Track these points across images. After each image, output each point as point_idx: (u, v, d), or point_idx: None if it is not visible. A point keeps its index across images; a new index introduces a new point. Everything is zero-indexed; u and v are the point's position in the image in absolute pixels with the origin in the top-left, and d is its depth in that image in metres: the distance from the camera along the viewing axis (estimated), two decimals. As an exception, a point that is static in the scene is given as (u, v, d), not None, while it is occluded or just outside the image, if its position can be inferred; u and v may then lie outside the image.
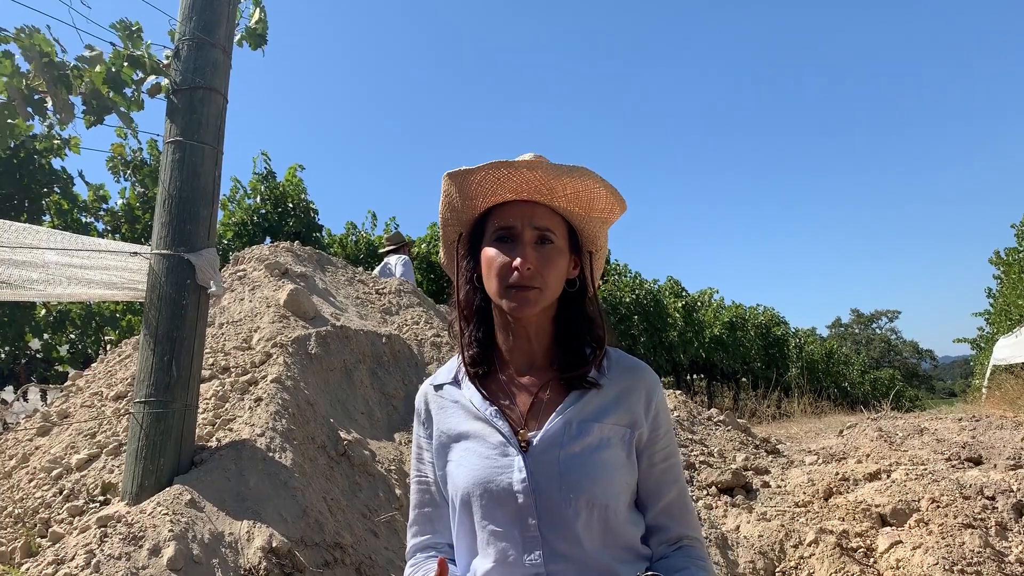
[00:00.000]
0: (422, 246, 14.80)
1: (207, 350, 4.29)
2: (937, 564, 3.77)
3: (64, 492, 3.44)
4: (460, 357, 1.60)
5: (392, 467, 4.19)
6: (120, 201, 10.51)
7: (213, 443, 3.51)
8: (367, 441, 4.28)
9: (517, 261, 1.42)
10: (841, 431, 8.85)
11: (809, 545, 4.22)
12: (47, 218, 9.28)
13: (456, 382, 1.60)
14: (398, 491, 4.03)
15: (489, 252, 1.48)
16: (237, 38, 3.90)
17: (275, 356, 4.30)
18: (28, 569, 2.81)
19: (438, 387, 1.63)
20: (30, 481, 3.61)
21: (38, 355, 9.87)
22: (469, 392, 1.55)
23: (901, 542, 4.08)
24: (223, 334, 4.69)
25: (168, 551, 2.77)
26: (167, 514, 2.94)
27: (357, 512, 3.67)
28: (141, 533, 2.86)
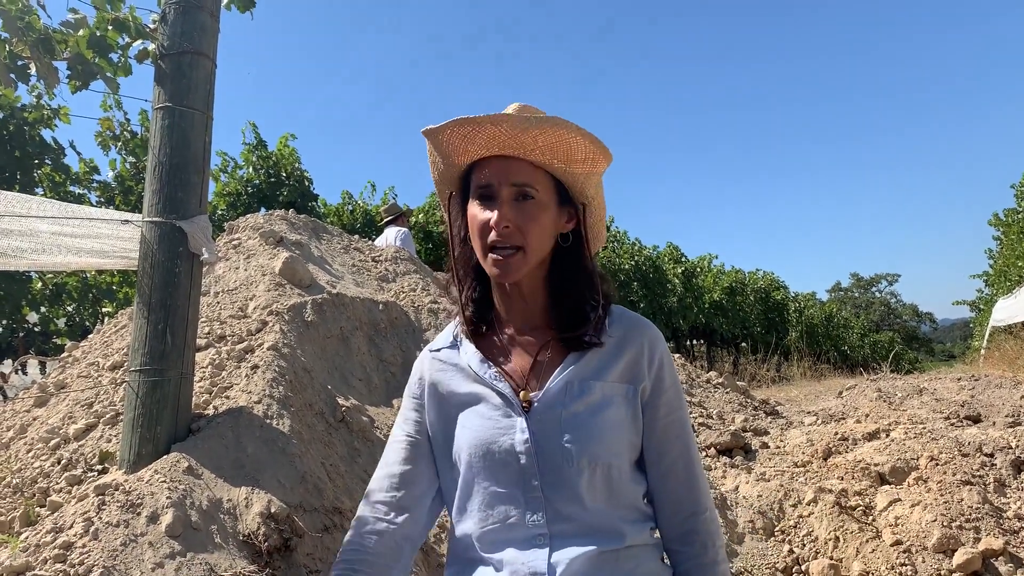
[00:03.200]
0: (420, 216, 14.73)
1: (203, 319, 4.28)
2: (936, 521, 3.79)
3: (62, 462, 3.44)
4: (458, 319, 1.58)
5: (391, 433, 4.18)
6: (111, 173, 10.44)
7: (210, 411, 3.50)
8: (365, 407, 4.28)
9: (494, 220, 1.39)
10: (840, 392, 8.89)
11: (808, 504, 4.24)
12: (40, 191, 9.21)
13: (455, 345, 1.58)
14: (397, 456, 4.03)
15: (472, 210, 1.44)
16: (225, 1, 3.83)
17: (271, 324, 4.28)
18: (27, 538, 2.81)
19: (436, 351, 1.61)
20: (28, 451, 3.61)
21: (36, 328, 9.86)
22: (468, 354, 1.53)
23: (900, 500, 4.09)
24: (218, 303, 4.67)
25: (166, 518, 2.77)
26: (165, 481, 2.94)
27: (356, 477, 3.67)
28: (139, 500, 2.85)
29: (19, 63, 3.06)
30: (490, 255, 1.41)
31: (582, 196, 1.52)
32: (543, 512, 1.39)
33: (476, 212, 1.43)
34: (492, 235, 1.39)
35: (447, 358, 1.58)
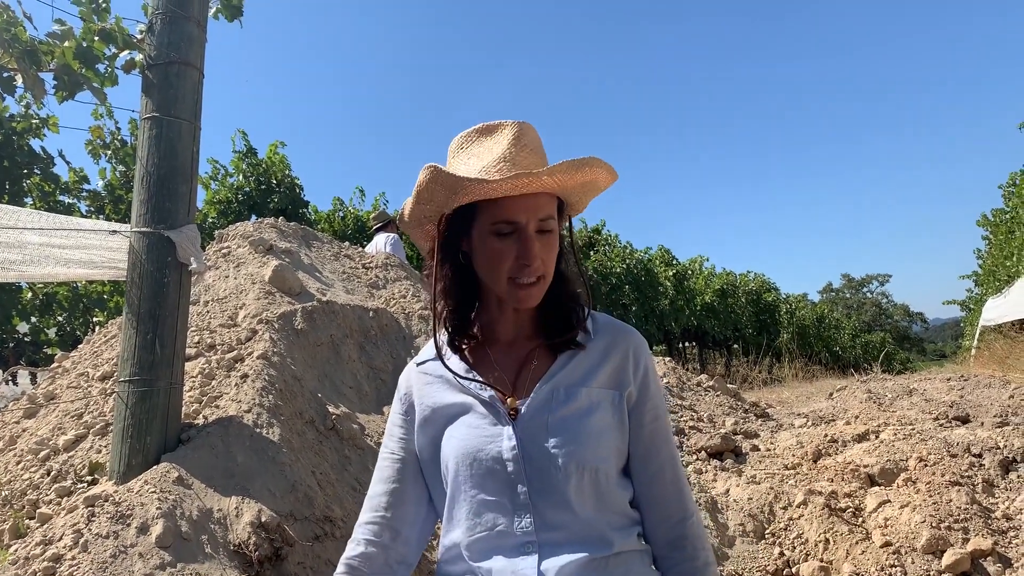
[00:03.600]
0: (410, 221, 14.71)
1: (192, 328, 4.27)
2: (924, 522, 3.81)
3: (52, 473, 3.43)
4: (442, 331, 1.58)
5: (381, 440, 4.18)
6: (101, 182, 10.42)
7: (200, 420, 3.50)
8: (356, 415, 4.28)
9: (534, 262, 1.42)
10: (831, 394, 8.91)
11: (798, 506, 4.25)
12: (29, 200, 9.19)
13: (440, 356, 1.58)
14: (388, 464, 4.03)
15: (494, 246, 1.44)
16: (212, 11, 3.84)
17: (261, 332, 4.28)
18: (16, 550, 2.80)
19: (421, 363, 1.61)
20: (17, 463, 3.60)
21: (26, 339, 9.82)
22: (453, 365, 1.54)
23: (889, 501, 4.11)
24: (208, 312, 4.67)
25: (156, 528, 2.77)
26: (155, 492, 2.94)
27: (347, 486, 3.67)
28: (129, 511, 2.85)
29: (5, 74, 3.06)
30: (514, 286, 1.44)
31: (575, 211, 1.58)
32: (531, 519, 1.40)
33: (500, 248, 1.43)
34: (525, 272, 1.43)
35: (432, 370, 1.58)
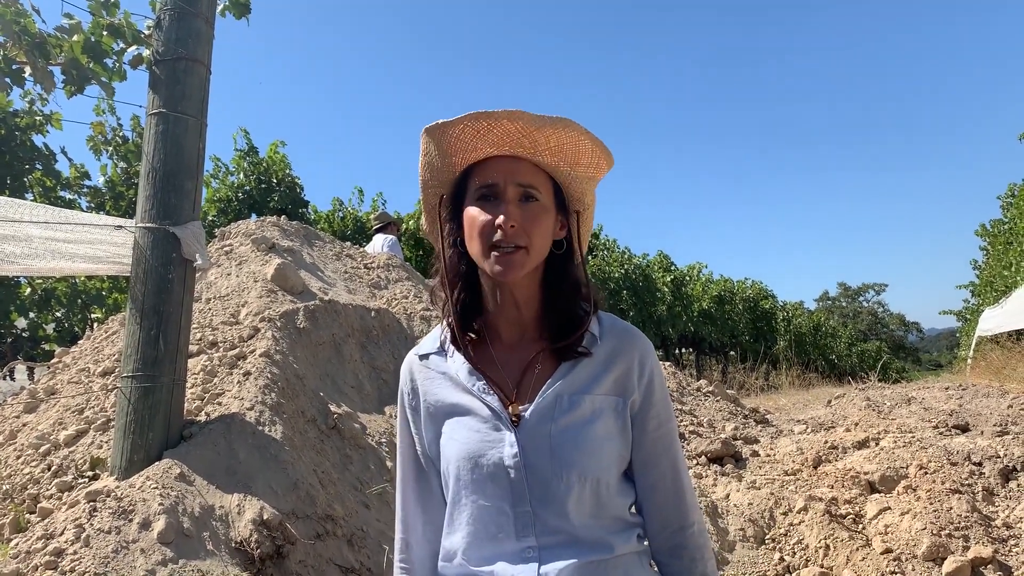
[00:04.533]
0: (410, 222, 14.74)
1: (195, 325, 4.26)
2: (925, 529, 3.81)
3: (52, 468, 3.42)
4: (445, 325, 1.56)
5: (383, 440, 4.18)
6: (102, 178, 10.41)
7: (202, 417, 3.49)
8: (357, 414, 4.27)
9: (500, 219, 1.36)
10: (829, 401, 8.91)
11: (798, 512, 4.25)
12: (30, 196, 9.18)
13: (442, 351, 1.55)
14: (389, 463, 4.03)
15: (471, 211, 1.41)
16: (220, 8, 3.83)
17: (263, 330, 4.27)
18: (18, 544, 2.79)
19: (423, 356, 1.58)
20: (18, 458, 3.59)
21: (24, 334, 9.80)
22: (456, 363, 1.51)
23: (889, 508, 4.11)
24: (210, 309, 4.66)
25: (158, 524, 2.76)
26: (157, 488, 2.93)
27: (348, 484, 3.66)
28: (131, 507, 2.84)
29: (14, 67, 3.06)
30: (492, 254, 1.40)
31: (579, 203, 1.52)
32: (532, 527, 1.38)
33: (476, 213, 1.40)
34: (497, 235, 1.37)
35: (435, 365, 1.55)
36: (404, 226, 14.35)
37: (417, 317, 5.78)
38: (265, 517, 2.94)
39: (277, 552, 2.91)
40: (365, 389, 4.72)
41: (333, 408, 4.06)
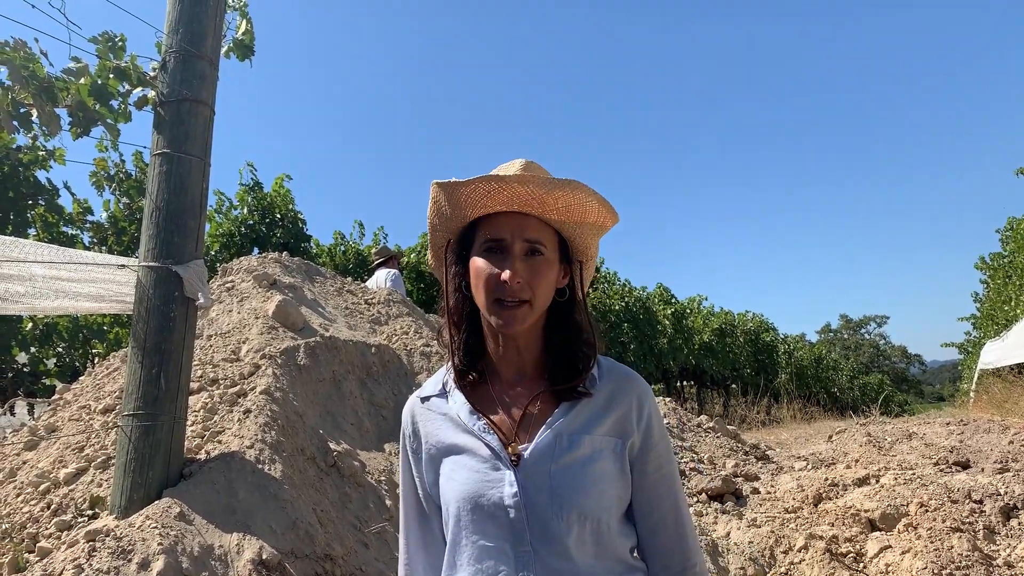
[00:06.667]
0: (412, 256, 14.79)
1: (196, 362, 4.28)
2: (926, 568, 3.79)
3: (52, 506, 3.42)
4: (448, 366, 1.59)
5: (382, 478, 4.18)
6: (105, 214, 10.47)
7: (202, 455, 3.50)
8: (357, 452, 4.27)
9: (506, 274, 1.41)
10: (830, 436, 8.89)
11: (799, 551, 4.24)
12: (33, 231, 9.22)
13: (444, 393, 1.57)
14: (388, 502, 4.02)
15: (478, 263, 1.46)
16: (224, 49, 3.90)
17: (264, 367, 4.29)
18: (16, 585, 2.79)
19: (425, 399, 1.60)
20: (17, 496, 3.59)
21: (25, 369, 9.78)
22: (457, 404, 1.53)
23: (890, 547, 4.10)
24: (211, 346, 4.68)
25: (157, 565, 2.76)
26: (156, 528, 2.93)
27: (347, 523, 3.66)
28: (130, 547, 2.84)
29: (21, 110, 3.11)
30: (496, 307, 1.44)
31: (582, 254, 1.57)
32: (533, 567, 1.39)
33: (483, 266, 1.45)
34: (503, 290, 1.42)
35: (436, 407, 1.58)
36: (405, 260, 14.41)
37: (417, 353, 5.80)
38: (264, 557, 2.94)
39: (276, 592, 2.90)
40: (364, 426, 4.72)
41: (333, 446, 4.06)
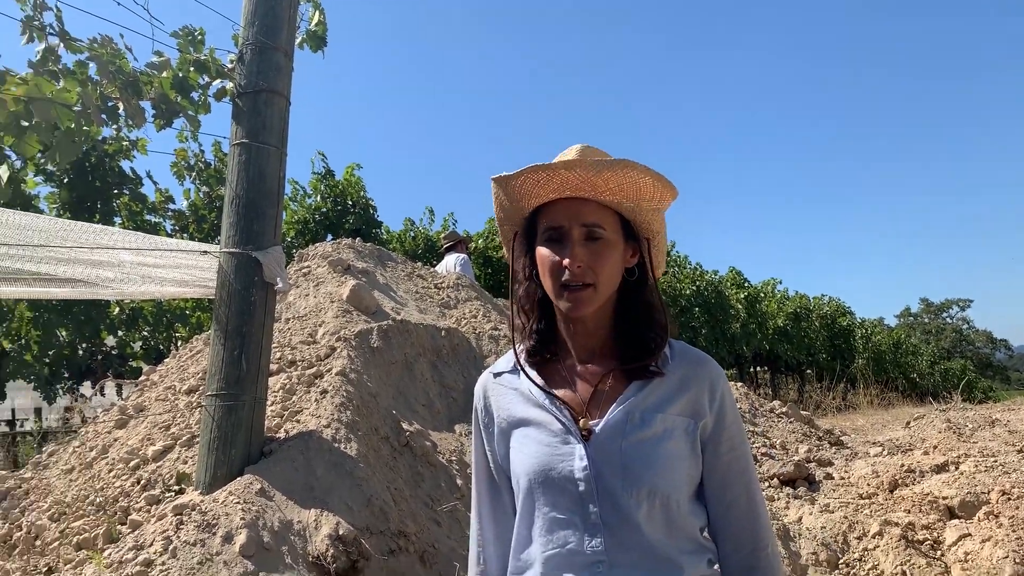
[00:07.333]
0: (480, 241, 14.90)
1: (275, 344, 4.42)
2: (1007, 557, 3.69)
3: (141, 482, 3.59)
4: (521, 346, 1.62)
5: (453, 458, 4.26)
6: (185, 202, 10.83)
7: (281, 434, 3.62)
8: (428, 432, 4.36)
9: (567, 261, 1.42)
10: (908, 423, 8.66)
11: (873, 537, 4.17)
12: (118, 219, 9.61)
13: (516, 370, 1.60)
14: (459, 481, 4.10)
15: (542, 252, 1.48)
16: (298, 41, 3.99)
17: (339, 350, 4.41)
18: (110, 554, 2.95)
19: (497, 375, 1.63)
20: (110, 471, 3.78)
21: (113, 351, 10.24)
22: (528, 379, 1.56)
23: (970, 535, 4.00)
24: (289, 329, 4.83)
25: (240, 538, 2.89)
26: (239, 503, 3.06)
27: (420, 501, 3.75)
28: (214, 521, 2.97)
29: (109, 103, 3.25)
30: (563, 292, 1.45)
31: (647, 231, 1.55)
32: (602, 540, 1.41)
33: (546, 254, 1.47)
34: (566, 275, 1.43)
35: (507, 382, 1.60)
36: (473, 245, 14.51)
37: (486, 336, 5.87)
38: (341, 532, 3.04)
39: (352, 567, 3.00)
40: (435, 407, 4.82)
41: (405, 426, 4.16)
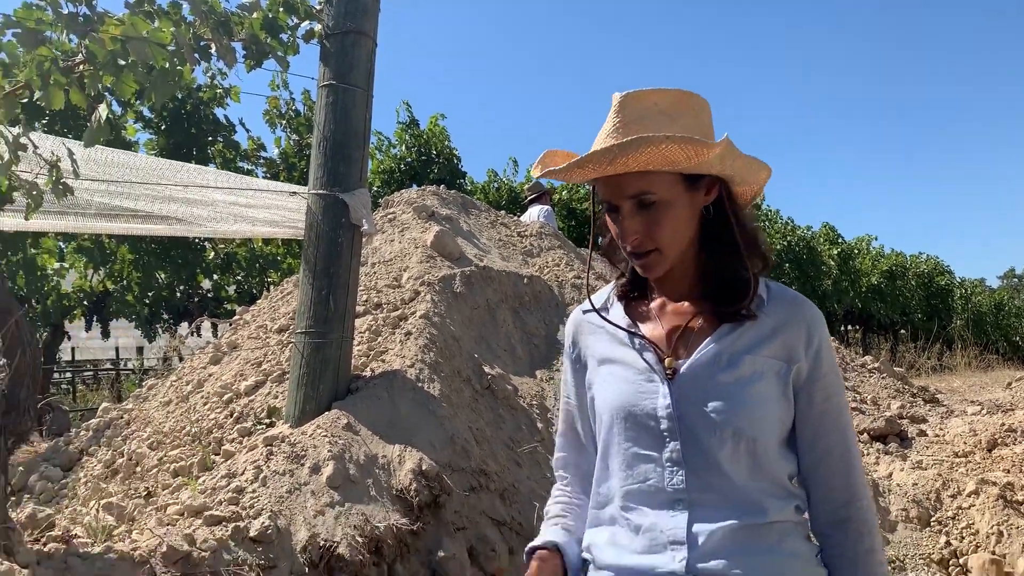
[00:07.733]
0: (563, 192, 14.80)
1: (361, 288, 4.50)
2: (1114, 521, 3.52)
3: (234, 415, 3.73)
4: (613, 284, 1.60)
5: (534, 402, 4.28)
6: (277, 150, 11.07)
7: (367, 373, 3.70)
8: (510, 376, 4.39)
9: (624, 236, 1.40)
10: (1010, 383, 8.30)
11: (969, 495, 4.02)
12: (212, 165, 9.90)
13: (606, 307, 1.58)
14: (540, 425, 4.12)
15: (607, 221, 1.47)
16: (385, -18, 3.98)
17: (423, 294, 4.46)
18: (205, 482, 3.08)
19: (586, 311, 1.62)
20: (204, 404, 3.94)
21: (209, 294, 10.66)
22: (617, 318, 1.54)
23: (1074, 497, 3.82)
24: (375, 273, 4.90)
25: (327, 469, 2.97)
26: (326, 436, 3.15)
27: (501, 443, 3.78)
28: (303, 452, 3.07)
29: (201, 43, 3.31)
30: (632, 259, 1.44)
31: (708, 172, 1.43)
32: (683, 477, 1.38)
33: (609, 224, 1.46)
34: (626, 248, 1.42)
35: (596, 320, 1.58)
36: (557, 196, 14.44)
37: (568, 285, 5.84)
38: (424, 468, 3.10)
39: (434, 501, 3.06)
40: (517, 353, 4.84)
41: (487, 369, 4.19)
